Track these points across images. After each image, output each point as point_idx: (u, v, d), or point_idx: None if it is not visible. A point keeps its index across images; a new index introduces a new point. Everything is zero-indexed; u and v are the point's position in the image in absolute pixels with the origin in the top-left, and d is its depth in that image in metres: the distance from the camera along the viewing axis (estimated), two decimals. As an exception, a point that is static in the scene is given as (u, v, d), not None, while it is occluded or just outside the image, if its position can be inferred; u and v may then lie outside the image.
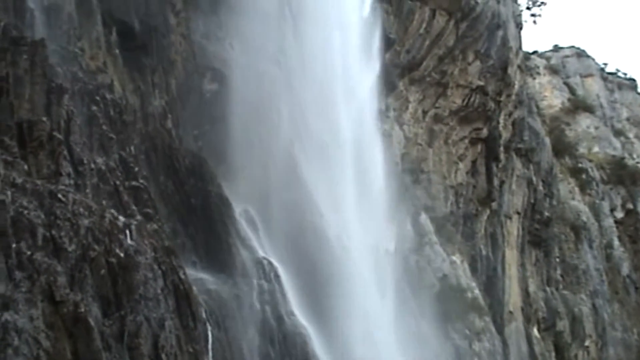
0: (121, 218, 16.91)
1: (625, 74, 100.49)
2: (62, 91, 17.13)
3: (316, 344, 24.89)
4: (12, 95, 15.89)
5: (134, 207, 18.45)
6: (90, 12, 22.54)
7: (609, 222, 72.39)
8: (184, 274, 18.25)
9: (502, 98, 48.76)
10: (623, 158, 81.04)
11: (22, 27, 17.95)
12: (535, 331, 52.25)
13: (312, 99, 31.83)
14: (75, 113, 17.49)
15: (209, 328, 19.74)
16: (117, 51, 24.04)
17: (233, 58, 29.81)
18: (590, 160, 76.30)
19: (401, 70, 42.19)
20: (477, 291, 41.11)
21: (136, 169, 20.28)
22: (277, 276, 25.24)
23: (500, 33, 47.37)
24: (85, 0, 22.37)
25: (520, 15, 59.99)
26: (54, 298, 13.55)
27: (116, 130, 20.09)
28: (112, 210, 16.84)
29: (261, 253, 25.67)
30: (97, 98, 19.67)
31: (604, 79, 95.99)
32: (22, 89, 16.16)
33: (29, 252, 13.56)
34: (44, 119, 16.19)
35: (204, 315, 19.28)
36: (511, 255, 50.06)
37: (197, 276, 21.39)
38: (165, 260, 17.36)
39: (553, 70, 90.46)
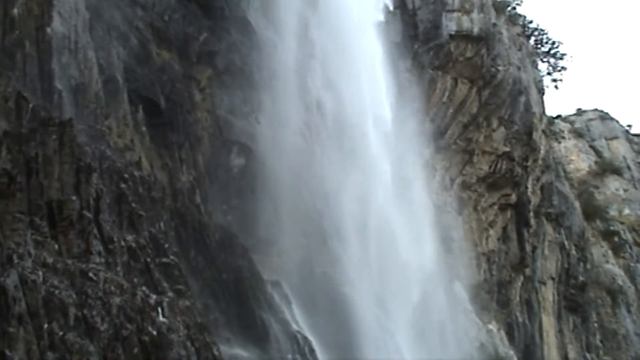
0: (153, 295, 16.67)
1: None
2: (91, 170, 17.06)
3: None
4: (41, 175, 15.83)
5: (165, 284, 18.21)
6: (116, 90, 22.77)
7: (645, 285, 71.03)
8: (218, 350, 17.92)
9: (529, 163, 48.57)
10: (654, 220, 79.92)
11: (50, 108, 18.04)
12: (578, 399, 50.98)
13: (339, 170, 31.82)
14: (104, 191, 17.41)
15: (245, 405, 19.39)
16: (144, 128, 24.23)
17: (259, 132, 29.96)
18: (622, 223, 75.28)
19: (426, 139, 42.15)
20: (515, 360, 40.25)
21: (166, 245, 20.12)
22: (311, 350, 24.91)
23: (522, 99, 47.43)
24: (112, 79, 22.64)
25: (541, 80, 60.10)
26: (87, 379, 13.26)
27: (145, 207, 20.00)
28: (144, 288, 16.62)
29: (295, 327, 25.37)
30: (126, 176, 19.64)
31: (630, 141, 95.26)
32: (51, 168, 16.12)
33: (61, 333, 13.31)
34: (74, 198, 16.09)
35: (239, 392, 18.91)
36: (548, 322, 49.07)
37: (232, 352, 21.09)
38: (198, 337, 17.05)
39: (578, 134, 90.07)
